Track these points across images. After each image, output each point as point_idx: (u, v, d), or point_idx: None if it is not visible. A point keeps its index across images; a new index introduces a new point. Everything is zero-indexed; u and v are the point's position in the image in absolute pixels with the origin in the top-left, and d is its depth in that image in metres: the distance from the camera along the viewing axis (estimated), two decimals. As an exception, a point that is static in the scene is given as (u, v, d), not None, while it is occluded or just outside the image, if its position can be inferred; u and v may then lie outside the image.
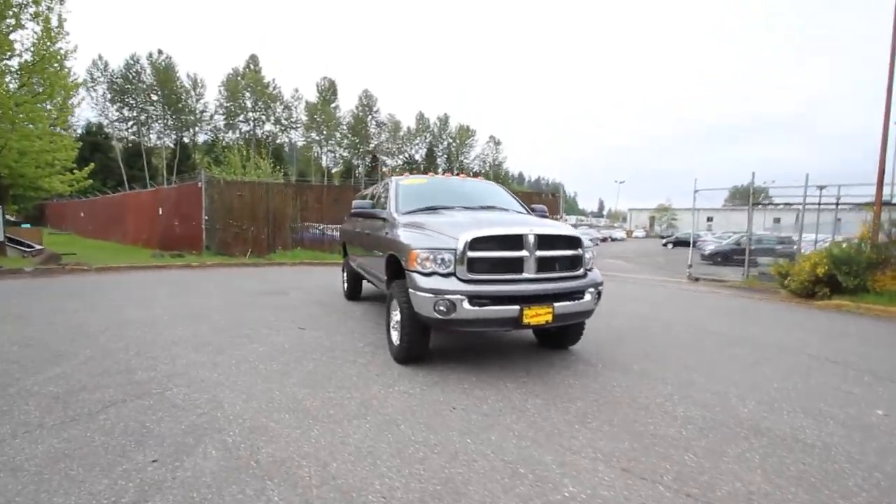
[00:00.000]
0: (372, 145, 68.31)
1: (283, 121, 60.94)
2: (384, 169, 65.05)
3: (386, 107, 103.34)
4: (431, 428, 2.87)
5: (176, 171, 50.00)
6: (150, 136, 54.31)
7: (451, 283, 3.58)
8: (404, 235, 4.10)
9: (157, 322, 5.63)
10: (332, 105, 64.14)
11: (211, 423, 2.87)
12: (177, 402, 3.17)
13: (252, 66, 58.84)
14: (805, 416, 3.19)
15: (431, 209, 4.78)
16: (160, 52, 52.98)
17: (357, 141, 66.51)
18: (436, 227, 3.99)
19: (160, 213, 17.28)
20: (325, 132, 63.95)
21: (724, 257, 19.51)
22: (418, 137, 72.76)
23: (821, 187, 11.41)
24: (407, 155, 71.32)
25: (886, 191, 8.90)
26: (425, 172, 67.76)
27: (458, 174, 6.94)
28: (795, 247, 19.07)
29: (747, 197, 12.44)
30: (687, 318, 6.85)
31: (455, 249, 3.62)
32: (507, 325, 3.68)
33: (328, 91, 63.73)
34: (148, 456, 2.44)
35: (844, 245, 8.28)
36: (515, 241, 3.75)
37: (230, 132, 58.98)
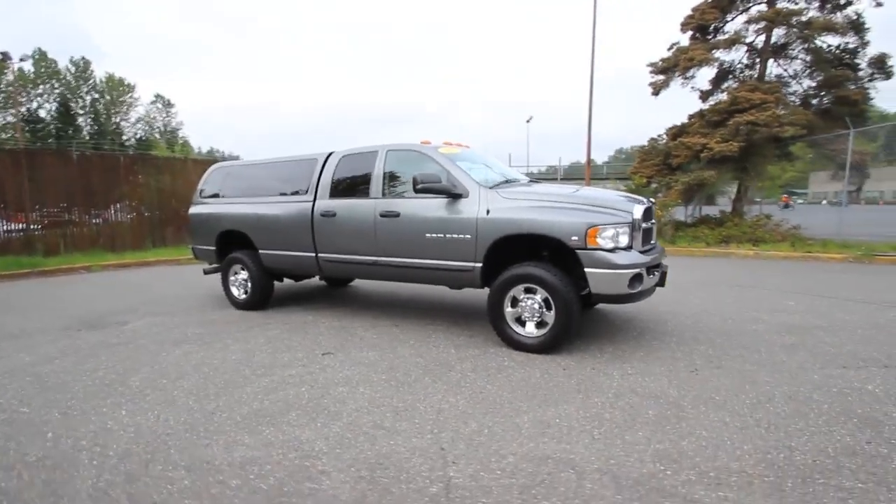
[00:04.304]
0: (-52, 89, 44.21)
1: None
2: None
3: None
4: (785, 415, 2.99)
5: None
6: None
7: (636, 257, 3.56)
8: (555, 213, 3.61)
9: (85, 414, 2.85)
10: None
11: (601, 487, 2.09)
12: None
13: None
14: (792, 314, 4.92)
15: (511, 182, 4.35)
16: None
17: (-87, 79, 41.73)
18: (583, 200, 3.74)
19: None
20: None
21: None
22: (41, 86, 51.91)
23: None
24: (26, 110, 49.86)
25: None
26: (60, 136, 49.74)
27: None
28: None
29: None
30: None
31: (631, 223, 3.58)
32: (652, 291, 3.95)
33: None
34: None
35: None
36: (651, 213, 4.02)
37: None
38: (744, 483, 2.04)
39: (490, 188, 4.03)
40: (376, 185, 4.55)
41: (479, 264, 3.95)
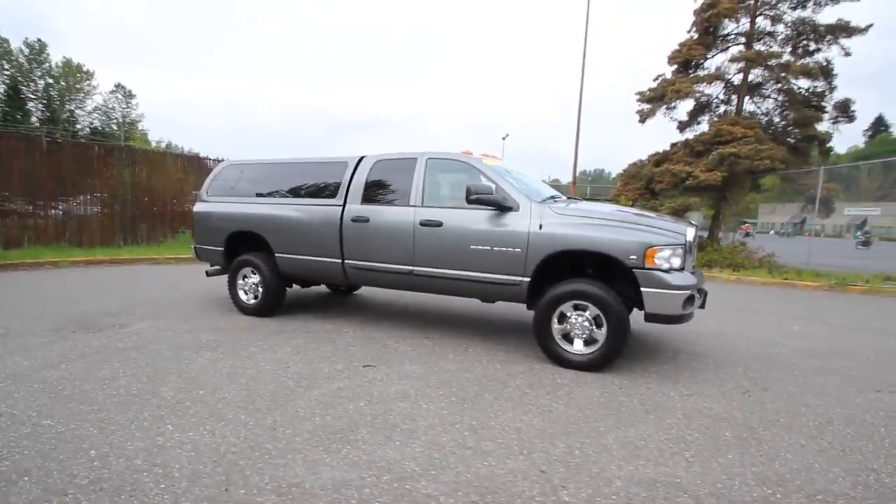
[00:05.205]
0: None
1: None
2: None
3: None
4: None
5: None
6: None
7: (689, 278, 3.60)
8: (612, 230, 3.61)
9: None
10: None
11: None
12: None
13: None
14: (803, 338, 5.15)
15: (555, 198, 4.34)
16: None
17: None
18: (637, 220, 3.77)
19: None
20: None
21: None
22: (-12, 66, 48.23)
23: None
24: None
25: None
26: (7, 120, 46.23)
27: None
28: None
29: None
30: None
31: (684, 244, 3.63)
32: (693, 314, 4.01)
33: None
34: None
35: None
36: (696, 236, 4.10)
37: None
38: (854, 508, 2.05)
39: (540, 202, 4.01)
40: (416, 192, 4.43)
41: (528, 279, 3.90)
